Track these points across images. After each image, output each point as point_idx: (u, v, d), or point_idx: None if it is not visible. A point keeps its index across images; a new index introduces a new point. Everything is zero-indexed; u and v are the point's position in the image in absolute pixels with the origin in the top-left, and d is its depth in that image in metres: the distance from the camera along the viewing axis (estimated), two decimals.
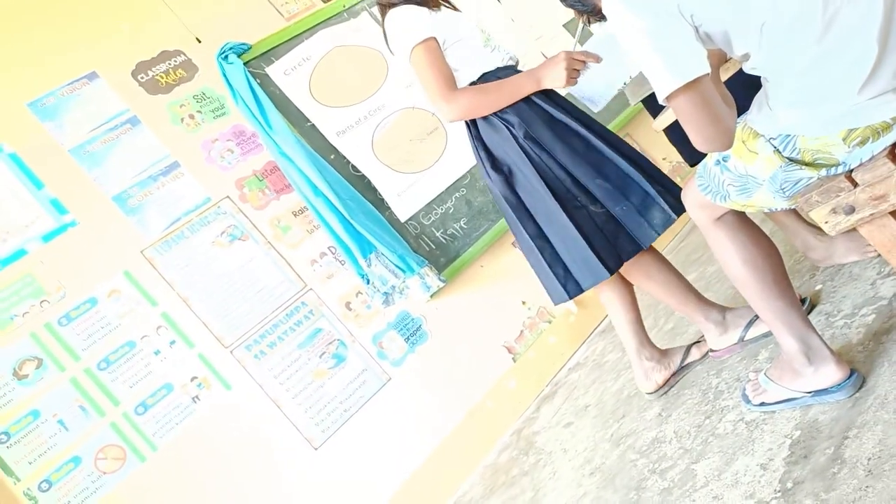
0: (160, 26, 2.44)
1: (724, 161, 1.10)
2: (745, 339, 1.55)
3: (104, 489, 1.90)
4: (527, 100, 1.53)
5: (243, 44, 2.45)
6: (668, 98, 0.94)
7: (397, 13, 1.55)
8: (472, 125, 1.59)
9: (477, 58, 1.57)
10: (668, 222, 1.48)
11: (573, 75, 1.49)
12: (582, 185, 1.50)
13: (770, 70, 0.95)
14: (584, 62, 1.50)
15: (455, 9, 1.68)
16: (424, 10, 1.55)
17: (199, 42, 2.48)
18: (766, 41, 0.91)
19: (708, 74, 0.92)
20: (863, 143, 0.92)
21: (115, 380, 2.01)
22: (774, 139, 1.01)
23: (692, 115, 0.94)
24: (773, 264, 1.18)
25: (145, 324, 2.08)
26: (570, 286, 1.53)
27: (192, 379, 2.08)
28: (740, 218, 1.20)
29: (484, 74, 1.56)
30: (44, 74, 2.22)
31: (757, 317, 1.57)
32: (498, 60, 1.60)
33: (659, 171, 1.57)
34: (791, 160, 1.00)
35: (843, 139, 0.93)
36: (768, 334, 1.50)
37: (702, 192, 1.17)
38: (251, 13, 2.59)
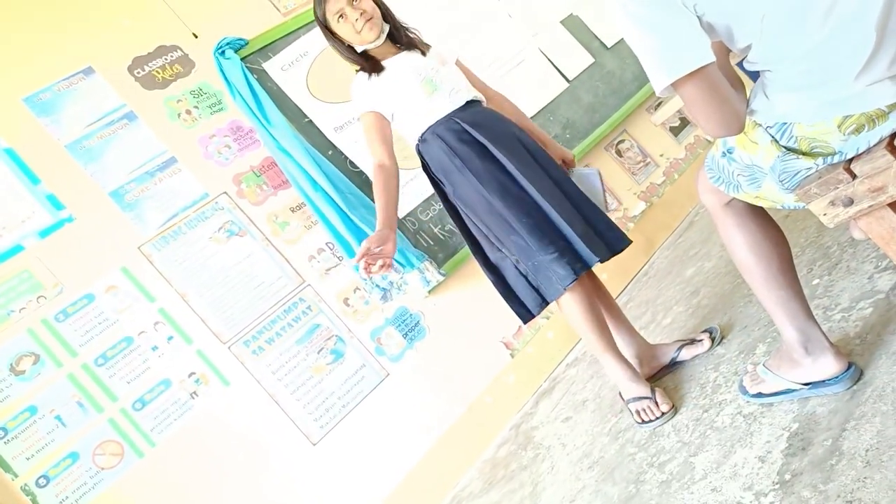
0: (156, 21, 2.43)
1: (730, 153, 1.10)
2: (677, 359, 1.70)
3: (102, 485, 1.90)
4: (464, 157, 1.60)
5: (240, 39, 2.44)
6: (673, 85, 0.93)
7: (354, 82, 1.70)
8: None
9: (419, 118, 1.65)
10: (580, 271, 1.53)
11: (367, 262, 1.40)
12: (501, 240, 1.61)
13: (769, 60, 0.95)
14: (374, 260, 1.42)
15: (420, 46, 1.73)
16: (368, 83, 1.66)
17: (196, 37, 2.47)
18: (767, 30, 0.91)
19: (713, 63, 0.92)
20: (857, 130, 0.92)
21: (113, 376, 2.00)
22: (771, 128, 1.01)
23: (699, 102, 0.94)
24: (780, 253, 1.18)
25: (143, 320, 2.08)
26: (522, 312, 1.66)
27: (190, 375, 2.07)
28: (750, 204, 1.19)
29: (429, 128, 1.64)
30: (39, 69, 2.21)
31: (674, 360, 1.70)
32: (447, 105, 1.64)
33: (597, 211, 1.63)
34: (788, 149, 1.00)
35: (838, 126, 0.93)
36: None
37: (714, 184, 1.16)
38: (248, 8, 2.58)
